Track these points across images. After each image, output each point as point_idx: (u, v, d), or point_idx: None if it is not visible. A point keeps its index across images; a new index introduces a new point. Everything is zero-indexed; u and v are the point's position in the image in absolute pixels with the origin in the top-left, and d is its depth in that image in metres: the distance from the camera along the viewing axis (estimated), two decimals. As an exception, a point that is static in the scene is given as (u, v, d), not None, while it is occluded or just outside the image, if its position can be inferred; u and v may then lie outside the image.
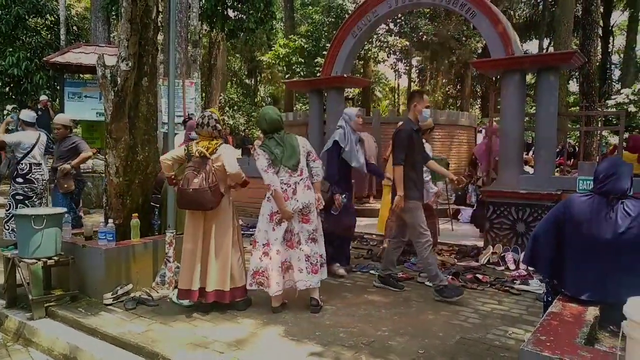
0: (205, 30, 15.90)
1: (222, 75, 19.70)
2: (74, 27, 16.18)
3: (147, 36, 4.55)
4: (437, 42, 17.62)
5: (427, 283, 4.79)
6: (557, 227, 2.82)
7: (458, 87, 26.86)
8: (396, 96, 33.93)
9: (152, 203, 4.98)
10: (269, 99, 25.33)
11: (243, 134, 16.05)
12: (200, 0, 12.00)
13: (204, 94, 16.53)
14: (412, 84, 31.65)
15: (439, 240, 6.43)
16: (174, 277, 4.32)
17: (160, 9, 5.17)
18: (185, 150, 3.91)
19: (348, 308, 4.07)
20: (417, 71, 29.94)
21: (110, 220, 4.46)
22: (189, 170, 3.77)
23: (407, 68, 27.70)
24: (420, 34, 16.72)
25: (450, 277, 4.86)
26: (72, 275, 4.16)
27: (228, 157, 3.86)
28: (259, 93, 25.61)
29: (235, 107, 20.58)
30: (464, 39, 18.01)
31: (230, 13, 13.13)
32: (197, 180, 3.69)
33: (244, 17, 12.60)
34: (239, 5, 12.57)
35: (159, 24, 4.95)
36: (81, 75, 11.76)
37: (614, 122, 12.17)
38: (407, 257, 5.77)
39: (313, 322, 3.72)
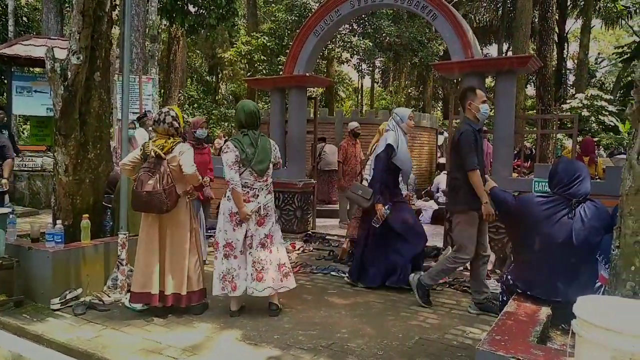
0: (165, 25, 15.54)
1: (182, 72, 19.34)
2: (24, 18, 15.46)
3: (100, 29, 4.36)
4: (400, 44, 17.81)
5: (387, 283, 4.80)
6: (513, 224, 2.87)
7: (420, 89, 27.32)
8: (359, 96, 34.17)
9: (104, 203, 4.79)
10: (231, 97, 25.00)
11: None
12: (159, -6, 11.70)
13: (162, 91, 16.16)
14: (375, 84, 32.00)
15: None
16: (127, 280, 4.16)
17: (116, 2, 4.98)
18: (141, 150, 3.76)
19: (308, 311, 4.02)
20: (380, 72, 30.28)
21: (59, 222, 4.24)
22: (143, 171, 3.63)
23: (371, 69, 27.95)
24: (384, 35, 16.85)
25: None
26: (16, 279, 3.93)
27: (185, 157, 3.70)
28: (220, 91, 25.23)
29: (195, 105, 20.17)
30: (426, 41, 18.27)
31: (191, 8, 12.84)
32: (151, 181, 3.55)
33: (205, 13, 12.35)
34: (200, 1, 12.31)
35: (114, 18, 4.76)
36: (31, 69, 11.23)
37: (569, 125, 12.61)
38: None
39: (272, 326, 3.65)
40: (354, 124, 8.07)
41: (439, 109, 30.04)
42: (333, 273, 5.18)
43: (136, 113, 9.26)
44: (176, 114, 3.80)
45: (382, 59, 22.11)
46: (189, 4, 12.64)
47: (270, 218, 3.85)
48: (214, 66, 25.62)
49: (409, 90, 27.83)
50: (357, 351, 3.20)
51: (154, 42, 10.41)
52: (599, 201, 2.81)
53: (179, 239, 3.74)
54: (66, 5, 12.00)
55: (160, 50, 14.67)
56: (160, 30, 12.97)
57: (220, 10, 12.36)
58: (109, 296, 4.11)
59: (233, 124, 13.24)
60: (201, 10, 12.83)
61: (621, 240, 2.26)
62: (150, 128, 8.75)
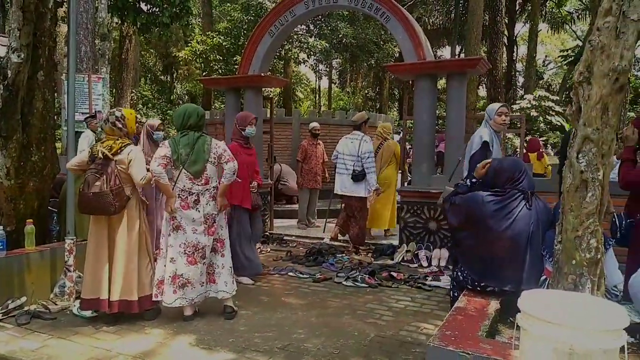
0: (116, 23, 15.07)
1: (135, 71, 18.80)
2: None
3: (42, 26, 4.17)
4: (356, 45, 17.99)
5: (345, 283, 4.84)
6: (466, 221, 2.95)
7: (377, 89, 27.70)
8: (317, 97, 34.29)
9: (49, 207, 4.59)
10: (186, 96, 24.51)
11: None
12: (110, -9, 11.31)
13: (114, 90, 15.66)
14: (332, 85, 32.19)
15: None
16: (75, 287, 4.00)
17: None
18: (89, 152, 3.67)
19: (264, 312, 3.99)
20: (338, 73, 30.50)
21: (1, 227, 4.02)
22: (90, 172, 3.54)
23: (328, 69, 28.11)
24: (340, 36, 16.97)
25: (367, 276, 4.94)
26: (-47, 289, 3.71)
27: (135, 166, 3.60)
28: (175, 90, 24.69)
29: (150, 105, 19.64)
30: (382, 43, 18.55)
31: (143, 6, 12.48)
32: (98, 183, 3.48)
33: (158, 11, 12.03)
34: (153, -1, 11.99)
35: (62, 15, 4.56)
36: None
37: (518, 125, 13.11)
38: (326, 258, 5.81)
39: (227, 329, 3.59)
40: (313, 124, 8.09)
41: (395, 109, 30.53)
42: (290, 274, 5.16)
43: (85, 113, 8.94)
44: (122, 114, 3.71)
45: (338, 59, 22.28)
46: (141, 2, 12.28)
47: (217, 225, 3.80)
48: (168, 65, 25.07)
49: (366, 91, 28.15)
50: (313, 351, 3.20)
51: (104, 41, 10.07)
52: (543, 199, 2.93)
53: (128, 241, 3.63)
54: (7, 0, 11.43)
55: (112, 48, 14.22)
56: (111, 29, 12.56)
57: (174, 9, 12.07)
58: (56, 304, 3.94)
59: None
60: (154, 9, 12.49)
61: (563, 236, 2.36)
62: (98, 129, 8.49)
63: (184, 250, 3.66)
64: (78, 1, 8.96)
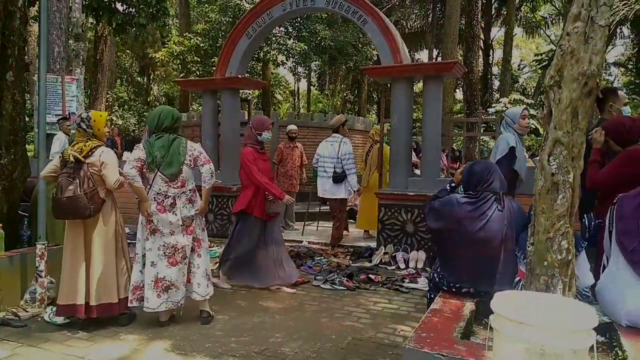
0: (91, 23, 14.80)
1: (110, 72, 18.52)
2: None
3: (12, 26, 4.07)
4: (334, 48, 18.04)
5: (323, 286, 4.83)
6: (443, 224, 2.98)
7: (356, 92, 27.81)
8: (296, 99, 34.28)
9: (20, 212, 4.46)
10: (163, 98, 24.22)
11: (133, 134, 15.10)
12: (85, -10, 11.09)
13: (88, 92, 15.38)
14: (312, 87, 32.20)
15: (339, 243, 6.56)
16: (46, 293, 3.90)
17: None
18: (60, 157, 3.61)
19: (241, 317, 3.96)
20: (317, 75, 30.54)
21: (-32, 232, 3.91)
22: (63, 176, 3.49)
23: (307, 72, 28.12)
24: (319, 39, 17.01)
25: (345, 279, 4.94)
26: None
27: (108, 167, 3.55)
28: (152, 92, 24.38)
29: (126, 106, 19.36)
30: (360, 46, 18.63)
31: (119, 7, 12.29)
32: (71, 187, 3.42)
33: (134, 11, 11.86)
34: (129, -1, 11.81)
35: (30, 14, 4.44)
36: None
37: (494, 128, 13.31)
38: (304, 261, 5.79)
39: (203, 334, 3.55)
40: (290, 127, 8.08)
41: (373, 112, 30.71)
42: (268, 277, 5.13)
43: (59, 115, 8.75)
44: (88, 115, 3.64)
45: (317, 62, 22.31)
46: (116, 2, 12.09)
47: (195, 225, 3.76)
48: (145, 67, 24.76)
49: (345, 94, 28.24)
50: (291, 355, 3.19)
51: (78, 41, 9.85)
52: (517, 200, 2.98)
53: (104, 245, 3.58)
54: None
55: (86, 49, 13.94)
56: (85, 29, 12.33)
57: (151, 10, 11.91)
58: (27, 311, 3.84)
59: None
60: (130, 9, 12.31)
61: (535, 237, 2.40)
62: (72, 131, 8.31)
63: (164, 252, 3.61)
64: (51, 1, 8.78)
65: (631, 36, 21.99)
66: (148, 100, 23.78)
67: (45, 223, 3.99)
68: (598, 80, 2.36)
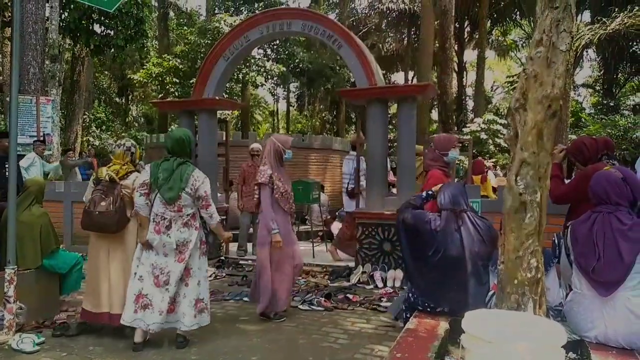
0: (69, 44, 14.71)
1: (88, 93, 18.32)
2: None
3: (-16, 47, 4.02)
4: (313, 70, 18.28)
5: (300, 306, 4.80)
6: (412, 244, 3.02)
7: (334, 113, 28.07)
8: (276, 120, 34.42)
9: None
10: (142, 119, 24.07)
11: (110, 156, 14.94)
12: (62, 12, 11.07)
13: (65, 112, 15.19)
14: (291, 108, 32.39)
15: (315, 263, 6.55)
16: (15, 319, 3.79)
17: (5, 19, 4.62)
18: (94, 175, 4.01)
19: (217, 340, 3.90)
20: (296, 96, 30.77)
21: None
22: (97, 192, 3.84)
23: (286, 93, 28.33)
24: (297, 61, 17.22)
25: (323, 299, 4.92)
26: None
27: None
28: (130, 112, 24.20)
29: (104, 127, 19.15)
30: (338, 68, 18.91)
31: (97, 28, 12.29)
32: (104, 203, 3.77)
33: (112, 33, 11.87)
34: (107, 21, 11.81)
35: (5, 34, 4.41)
36: None
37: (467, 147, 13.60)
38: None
39: (178, 359, 3.49)
40: (252, 145, 7.82)
41: (352, 132, 30.98)
42: (245, 299, 5.07)
43: (34, 136, 8.62)
44: (133, 144, 4.10)
45: (296, 84, 22.53)
46: (94, 24, 12.08)
47: (189, 253, 3.69)
48: (123, 87, 24.61)
49: (324, 115, 28.48)
50: (267, 379, 3.15)
51: (54, 62, 9.78)
52: (486, 219, 3.04)
53: (126, 259, 3.86)
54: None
55: (63, 70, 13.81)
56: (62, 50, 12.24)
57: (129, 31, 11.95)
58: (-7, 338, 3.72)
59: (144, 148, 12.69)
60: (108, 31, 12.31)
61: (505, 256, 2.45)
62: (46, 153, 8.18)
63: (152, 271, 3.65)
64: (26, 22, 8.72)
65: (597, 59, 22.84)
66: (127, 120, 23.58)
67: (15, 247, 3.90)
68: (561, 102, 2.45)
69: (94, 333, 3.95)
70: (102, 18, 11.72)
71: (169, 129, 18.18)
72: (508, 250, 2.42)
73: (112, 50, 12.50)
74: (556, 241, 2.94)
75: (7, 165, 5.18)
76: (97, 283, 3.82)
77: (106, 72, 24.30)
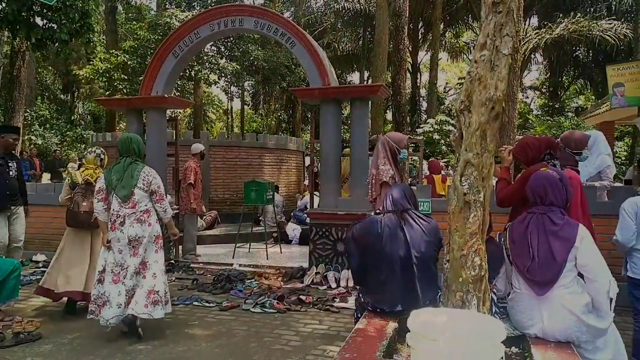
0: (7, 37, 13.93)
1: (30, 89, 17.46)
2: None
3: None
4: (268, 68, 18.15)
5: (253, 310, 4.74)
6: (358, 245, 3.02)
7: (290, 112, 28.00)
8: (230, 118, 33.97)
9: None
10: (89, 117, 23.14)
11: (54, 155, 14.24)
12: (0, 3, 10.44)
13: (4, 109, 14.39)
14: (245, 107, 32.08)
15: (269, 264, 6.50)
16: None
17: None
18: (69, 179, 4.63)
19: (165, 346, 3.79)
20: (251, 95, 30.48)
21: None
22: (77, 195, 4.48)
23: (240, 91, 27.99)
24: (251, 59, 17.03)
25: (276, 301, 4.87)
26: None
27: None
28: (76, 110, 23.22)
29: (47, 125, 18.27)
30: (293, 66, 18.84)
31: (39, 21, 11.65)
32: (85, 203, 4.41)
33: (55, 26, 11.28)
34: (49, 14, 11.21)
35: None
36: None
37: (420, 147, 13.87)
38: (234, 284, 5.66)
39: (122, 367, 3.36)
40: (200, 146, 7.48)
41: (308, 132, 31.03)
42: (196, 303, 4.96)
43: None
44: (103, 151, 4.73)
45: (251, 82, 22.30)
46: (35, 16, 11.45)
47: (142, 247, 3.91)
48: (69, 84, 23.58)
49: (279, 114, 28.36)
50: (215, 384, 3.08)
51: (-10, 56, 9.23)
52: (432, 217, 3.07)
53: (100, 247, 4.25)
54: None
55: (2, 64, 13.06)
56: (1, 43, 11.55)
57: (74, 25, 11.38)
58: None
59: (90, 147, 12.18)
60: (51, 24, 11.70)
61: (450, 255, 2.49)
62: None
63: (111, 269, 3.89)
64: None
65: (544, 62, 23.87)
66: (72, 118, 22.60)
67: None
68: (504, 104, 2.51)
69: (33, 344, 3.76)
70: (44, 10, 11.12)
71: (118, 127, 17.59)
72: (452, 249, 2.46)
73: (56, 44, 11.88)
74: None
75: (10, 164, 5.20)
76: (72, 267, 4.41)
77: (50, 68, 23.22)
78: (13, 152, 5.46)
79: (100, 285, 3.90)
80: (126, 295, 3.82)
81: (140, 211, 3.93)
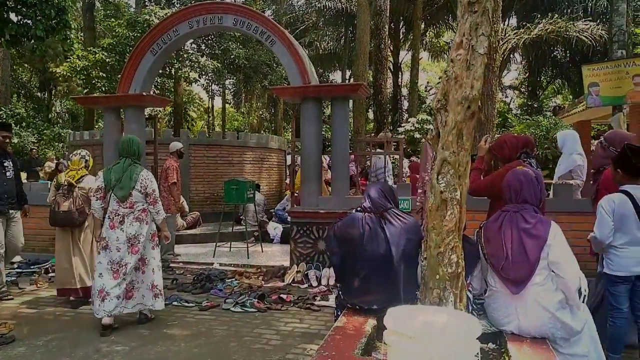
0: (-19, 33, 13.58)
1: (5, 86, 17.09)
2: None
3: None
4: (249, 67, 18.02)
5: (233, 309, 4.71)
6: (340, 242, 3.02)
7: (272, 110, 27.91)
8: (211, 117, 33.69)
9: None
10: (67, 115, 22.69)
11: (30, 154, 13.93)
12: (-28, -2, 10.16)
13: (-23, 108, 14.03)
14: (227, 105, 31.88)
15: (250, 264, 6.45)
16: None
17: None
18: (55, 181, 4.86)
19: (144, 346, 3.75)
20: (232, 93, 30.28)
21: None
22: (59, 195, 4.69)
23: (221, 89, 27.80)
24: (232, 57, 16.89)
25: (256, 300, 4.85)
26: None
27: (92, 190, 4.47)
28: (54, 108, 22.74)
29: (24, 124, 17.87)
30: (274, 65, 18.75)
31: (13, 17, 11.39)
32: (66, 203, 4.62)
33: (31, 23, 11.03)
34: (24, 10, 10.97)
35: None
36: None
37: (405, 147, 13.91)
38: (215, 284, 5.63)
39: (98, 368, 3.31)
40: (178, 145, 7.25)
41: (290, 130, 30.97)
42: (175, 303, 4.92)
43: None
44: (88, 153, 4.97)
45: (232, 80, 22.13)
46: (9, 12, 11.18)
47: (140, 245, 4.14)
48: (45, 81, 23.10)
49: (261, 112, 28.25)
50: (194, 385, 3.05)
51: (-37, 52, 9.00)
52: (412, 215, 3.09)
53: (86, 244, 4.82)
54: None
55: (-26, 61, 12.71)
56: (-27, 39, 11.24)
57: (50, 22, 11.15)
58: None
59: (67, 145, 11.97)
60: (26, 20, 11.44)
61: (427, 252, 2.51)
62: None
63: (111, 267, 4.07)
64: None
65: (523, 62, 24.20)
66: (49, 117, 22.15)
67: None
68: (480, 103, 2.54)
69: (6, 347, 3.68)
70: (19, 6, 10.87)
71: (96, 126, 17.31)
72: (430, 246, 2.48)
73: (31, 41, 11.63)
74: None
75: (5, 164, 5.01)
76: (64, 265, 4.71)
77: (26, 65, 22.71)
78: (7, 150, 5.15)
79: (100, 280, 4.07)
80: (125, 289, 4.10)
81: (139, 210, 4.17)
